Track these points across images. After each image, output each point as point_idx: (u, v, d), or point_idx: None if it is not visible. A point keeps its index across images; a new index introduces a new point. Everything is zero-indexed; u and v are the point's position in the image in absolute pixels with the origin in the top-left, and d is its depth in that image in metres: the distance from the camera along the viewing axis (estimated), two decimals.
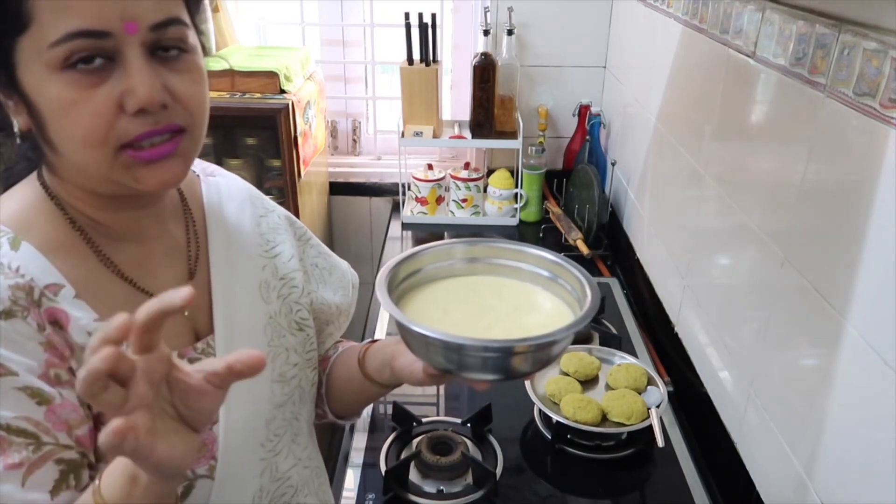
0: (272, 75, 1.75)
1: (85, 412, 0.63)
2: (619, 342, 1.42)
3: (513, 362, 0.67)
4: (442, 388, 1.37)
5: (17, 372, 0.58)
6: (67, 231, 0.66)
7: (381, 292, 0.70)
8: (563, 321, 0.68)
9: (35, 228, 0.65)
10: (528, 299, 0.77)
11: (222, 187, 0.82)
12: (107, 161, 0.60)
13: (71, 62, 0.56)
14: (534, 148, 1.97)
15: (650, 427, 1.14)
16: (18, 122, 0.62)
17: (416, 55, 1.90)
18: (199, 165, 0.83)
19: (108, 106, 0.58)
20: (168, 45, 0.61)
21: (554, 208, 2.00)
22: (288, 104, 1.74)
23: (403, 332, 0.70)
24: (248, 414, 0.73)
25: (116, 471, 0.54)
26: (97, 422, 0.64)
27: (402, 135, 1.95)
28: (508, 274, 0.79)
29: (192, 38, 0.63)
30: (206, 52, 0.69)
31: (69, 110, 0.58)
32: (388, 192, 2.23)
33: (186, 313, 0.72)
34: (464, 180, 1.98)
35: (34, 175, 0.69)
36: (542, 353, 0.67)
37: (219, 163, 1.90)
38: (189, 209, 0.77)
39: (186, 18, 0.63)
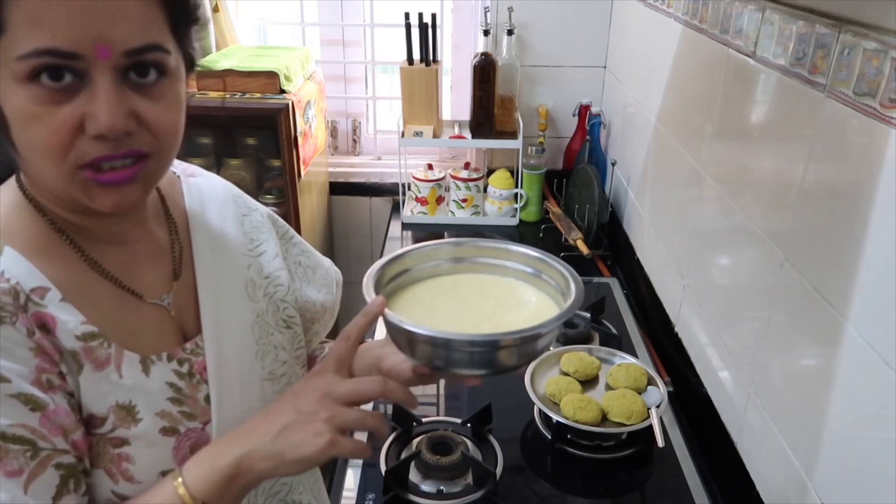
0: (272, 75, 1.75)
1: (77, 417, 0.63)
2: (619, 342, 1.42)
3: (499, 356, 0.68)
4: (442, 388, 1.37)
5: (10, 378, 0.58)
6: (49, 234, 0.66)
7: (367, 293, 0.71)
8: (549, 315, 0.69)
9: (17, 232, 0.64)
10: (512, 295, 0.78)
11: (203, 188, 0.82)
12: (64, 177, 0.59)
13: (36, 74, 0.55)
14: (534, 148, 1.97)
15: (650, 427, 1.14)
16: None
17: (416, 55, 1.90)
18: (180, 167, 0.82)
19: (69, 125, 0.57)
20: (144, 70, 0.59)
21: (554, 208, 2.00)
22: (288, 104, 1.74)
23: (392, 330, 0.71)
24: (241, 413, 0.72)
25: (207, 471, 0.62)
26: (87, 428, 0.64)
27: (402, 135, 1.95)
28: (493, 272, 0.80)
29: (173, 62, 0.61)
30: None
31: (30, 123, 0.57)
32: (388, 192, 2.23)
33: (173, 313, 0.72)
34: (464, 180, 1.98)
35: (13, 179, 0.68)
36: (527, 346, 0.68)
37: (219, 163, 1.91)
38: (169, 211, 0.77)
39: (168, 44, 0.60)
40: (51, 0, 0.53)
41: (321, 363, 0.69)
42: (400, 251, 0.78)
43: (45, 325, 0.62)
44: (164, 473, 0.66)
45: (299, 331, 0.84)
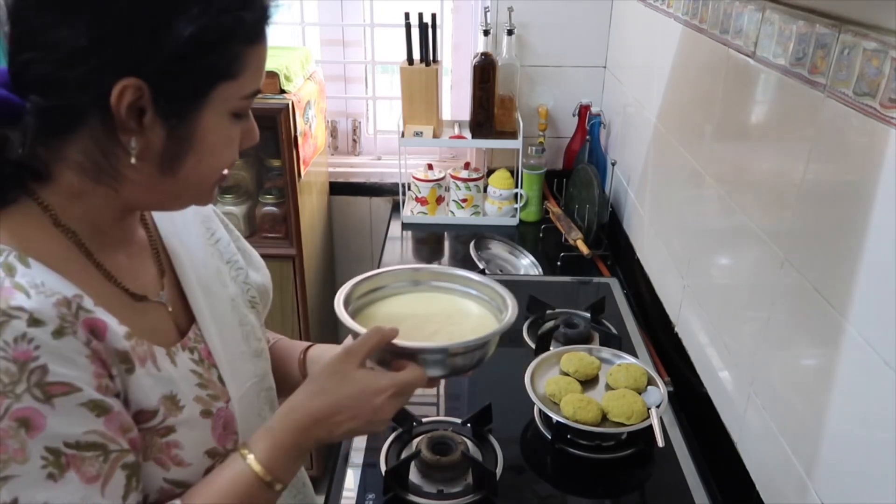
0: (272, 75, 1.75)
1: (129, 416, 0.65)
2: (619, 342, 1.42)
3: (453, 361, 0.84)
4: (442, 388, 1.37)
5: (81, 387, 0.60)
6: (64, 243, 0.66)
7: (339, 309, 0.86)
8: (490, 326, 0.87)
9: (36, 245, 0.63)
10: (459, 310, 0.96)
11: None
12: (212, 185, 0.71)
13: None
14: (534, 148, 1.97)
15: (650, 427, 1.14)
16: (137, 144, 0.63)
17: (416, 55, 1.91)
18: None
19: (238, 144, 0.71)
20: None
21: (554, 208, 2.00)
22: (288, 104, 1.74)
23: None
24: (246, 390, 0.79)
25: (280, 453, 0.72)
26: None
27: (402, 135, 1.95)
28: (444, 292, 0.99)
29: None
30: None
31: (227, 146, 0.69)
32: (388, 192, 2.23)
33: (171, 309, 0.76)
34: (464, 180, 1.98)
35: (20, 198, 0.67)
36: (475, 353, 0.85)
37: None
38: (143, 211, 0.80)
39: None
40: (263, 49, 0.68)
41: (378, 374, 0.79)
42: (368, 274, 0.96)
43: (95, 331, 0.63)
44: (208, 452, 0.71)
45: (261, 310, 0.90)
